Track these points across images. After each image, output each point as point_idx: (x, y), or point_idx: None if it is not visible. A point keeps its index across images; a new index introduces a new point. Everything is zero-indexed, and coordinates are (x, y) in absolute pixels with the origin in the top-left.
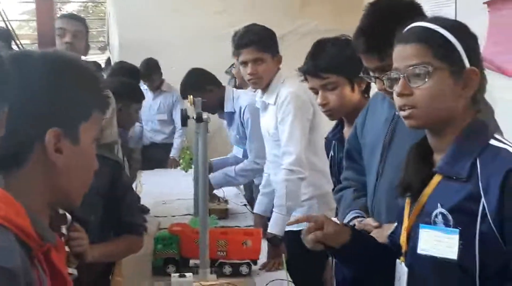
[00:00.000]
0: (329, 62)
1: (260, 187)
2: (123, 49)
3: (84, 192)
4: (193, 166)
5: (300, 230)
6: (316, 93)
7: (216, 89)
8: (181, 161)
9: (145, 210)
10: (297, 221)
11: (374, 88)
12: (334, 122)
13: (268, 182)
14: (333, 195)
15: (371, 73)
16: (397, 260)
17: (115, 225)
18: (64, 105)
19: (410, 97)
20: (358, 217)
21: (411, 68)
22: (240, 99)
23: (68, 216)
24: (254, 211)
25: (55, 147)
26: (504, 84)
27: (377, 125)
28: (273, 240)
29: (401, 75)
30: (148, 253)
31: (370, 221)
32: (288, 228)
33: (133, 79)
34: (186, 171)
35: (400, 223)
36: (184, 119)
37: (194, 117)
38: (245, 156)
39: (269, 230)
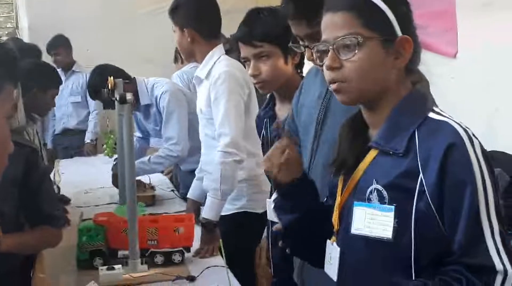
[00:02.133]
0: (264, 30)
1: (196, 171)
2: (33, 32)
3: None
4: (117, 151)
5: (231, 214)
6: (249, 64)
7: (127, 83)
8: (104, 146)
9: (66, 200)
10: None
11: (307, 65)
12: None
13: (202, 166)
14: None
15: (301, 42)
16: (328, 241)
17: (31, 217)
18: None
19: (340, 70)
20: None
21: (339, 39)
22: (154, 89)
23: None
24: (188, 196)
25: None
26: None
27: (310, 103)
28: (207, 225)
29: (330, 47)
30: (72, 246)
31: None
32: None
33: (35, 58)
34: (110, 157)
35: (332, 200)
36: (108, 101)
37: (117, 99)
38: None
39: (203, 215)
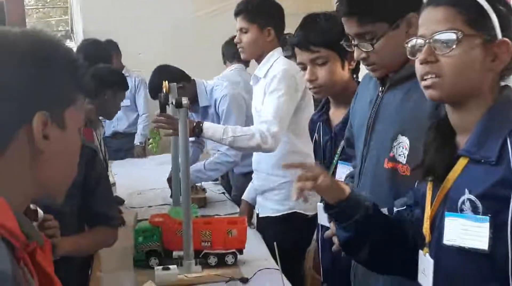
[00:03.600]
0: (321, 35)
1: (253, 175)
2: (87, 36)
3: (68, 185)
4: (172, 154)
5: (282, 216)
6: (304, 69)
7: (186, 84)
8: (150, 140)
9: (120, 201)
10: (291, 166)
11: (363, 70)
12: None
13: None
14: None
15: (352, 42)
16: (420, 252)
17: (88, 217)
18: (50, 86)
19: (435, 64)
20: None
21: (438, 33)
22: (214, 91)
23: (40, 212)
24: (243, 198)
25: (43, 132)
26: None
27: (362, 108)
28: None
29: (426, 41)
30: (128, 246)
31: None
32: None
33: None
34: (155, 152)
35: (421, 210)
36: (164, 105)
37: (173, 103)
38: None
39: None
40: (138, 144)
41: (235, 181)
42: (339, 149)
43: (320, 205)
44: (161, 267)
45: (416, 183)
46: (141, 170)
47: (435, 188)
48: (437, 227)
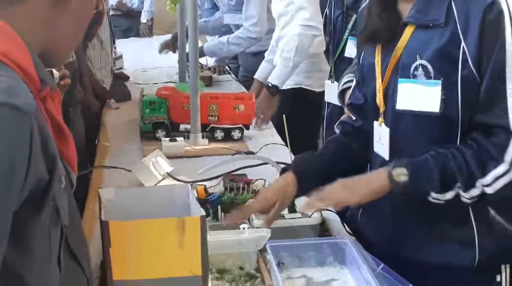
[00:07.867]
0: None
1: (265, 53)
2: None
3: (69, 53)
4: (178, 31)
5: (288, 89)
6: None
7: None
8: (168, 2)
9: (125, 77)
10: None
11: None
12: None
13: (274, 48)
14: None
15: None
16: (375, 122)
17: None
18: None
19: None
20: (348, 82)
21: None
22: None
23: (55, 72)
24: (255, 77)
25: None
26: None
27: None
28: (271, 89)
29: None
30: (134, 119)
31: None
32: None
33: None
34: (173, 12)
35: (371, 82)
36: None
37: None
38: None
39: (270, 80)
40: (145, 21)
41: (244, 60)
42: (350, 24)
43: (328, 82)
44: (168, 138)
45: (359, 58)
46: (146, 49)
47: (383, 61)
48: (391, 96)
